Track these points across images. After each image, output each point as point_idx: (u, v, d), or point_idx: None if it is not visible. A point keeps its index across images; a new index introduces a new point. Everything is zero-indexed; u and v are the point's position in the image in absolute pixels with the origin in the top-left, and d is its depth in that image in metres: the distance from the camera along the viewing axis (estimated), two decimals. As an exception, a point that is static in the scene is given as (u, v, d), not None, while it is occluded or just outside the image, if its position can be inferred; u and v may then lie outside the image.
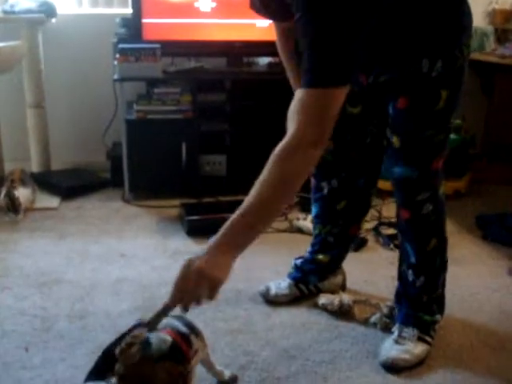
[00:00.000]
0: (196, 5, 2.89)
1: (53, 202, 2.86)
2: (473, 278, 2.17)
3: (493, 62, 2.98)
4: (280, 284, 1.98)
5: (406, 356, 1.63)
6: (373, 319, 1.83)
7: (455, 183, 2.98)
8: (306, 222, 2.52)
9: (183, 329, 1.27)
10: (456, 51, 1.48)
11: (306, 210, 2.55)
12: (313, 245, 1.98)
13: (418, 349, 1.66)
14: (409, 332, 1.68)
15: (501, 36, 3.29)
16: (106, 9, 3.29)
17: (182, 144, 2.86)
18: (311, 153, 1.28)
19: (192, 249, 2.30)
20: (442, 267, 1.72)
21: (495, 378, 1.60)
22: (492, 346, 1.75)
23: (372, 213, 2.71)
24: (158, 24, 2.91)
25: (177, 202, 2.79)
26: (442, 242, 1.70)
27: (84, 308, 1.91)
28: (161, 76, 2.85)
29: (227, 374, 1.54)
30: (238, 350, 1.69)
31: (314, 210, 1.94)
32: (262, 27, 2.88)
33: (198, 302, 1.20)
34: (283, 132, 1.29)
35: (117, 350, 1.12)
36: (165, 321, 1.24)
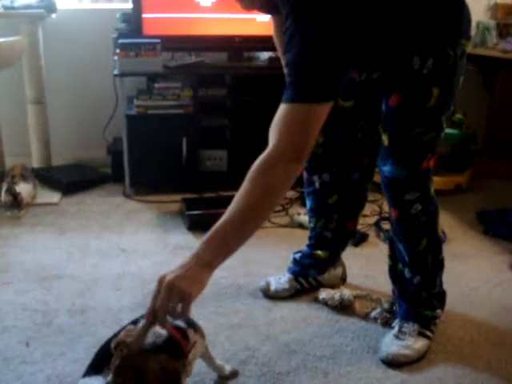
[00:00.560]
0: (196, -1, 2.89)
1: (53, 197, 2.86)
2: (474, 273, 2.17)
3: (495, 56, 2.96)
4: (280, 279, 1.98)
5: (407, 351, 1.63)
6: (373, 314, 1.83)
7: (456, 178, 2.99)
8: (307, 217, 2.51)
9: (180, 323, 1.27)
10: (448, 49, 1.47)
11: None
12: (310, 238, 1.99)
13: (419, 343, 1.66)
14: (409, 327, 1.68)
15: (503, 30, 3.27)
16: (106, 4, 3.30)
17: (183, 139, 2.86)
18: (292, 167, 1.26)
19: (193, 244, 2.30)
20: (437, 266, 1.70)
21: (496, 372, 1.60)
22: (493, 340, 1.75)
23: (373, 208, 2.72)
24: (159, 19, 2.91)
25: (177, 197, 2.79)
26: (434, 242, 1.68)
27: (85, 303, 1.91)
28: (161, 71, 2.84)
29: (228, 368, 1.54)
30: (238, 345, 1.69)
31: (307, 203, 1.95)
32: (262, 22, 2.87)
33: (173, 316, 1.15)
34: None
35: (112, 343, 1.13)
36: None
